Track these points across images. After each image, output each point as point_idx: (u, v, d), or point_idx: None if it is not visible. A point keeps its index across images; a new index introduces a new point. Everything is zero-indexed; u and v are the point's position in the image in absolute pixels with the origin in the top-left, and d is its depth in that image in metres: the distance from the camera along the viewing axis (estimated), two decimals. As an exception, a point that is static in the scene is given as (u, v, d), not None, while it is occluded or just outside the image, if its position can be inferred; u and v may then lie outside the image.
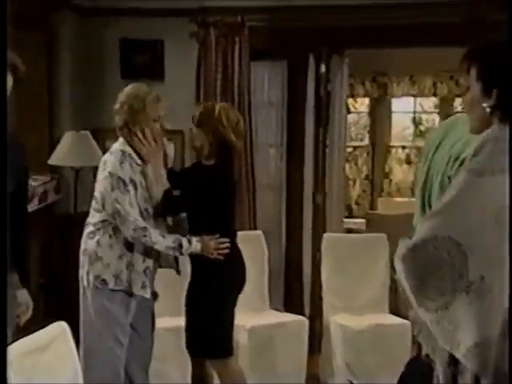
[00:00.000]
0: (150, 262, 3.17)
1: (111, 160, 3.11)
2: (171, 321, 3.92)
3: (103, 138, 5.13)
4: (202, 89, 5.07)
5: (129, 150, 3.14)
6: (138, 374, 3.26)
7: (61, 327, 2.51)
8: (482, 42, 1.93)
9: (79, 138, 4.76)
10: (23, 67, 2.53)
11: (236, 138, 3.32)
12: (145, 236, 3.07)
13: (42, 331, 2.81)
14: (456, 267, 1.71)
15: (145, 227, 3.06)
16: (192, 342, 3.35)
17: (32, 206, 4.56)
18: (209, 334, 3.30)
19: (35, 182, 4.68)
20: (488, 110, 1.84)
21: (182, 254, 3.19)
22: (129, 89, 3.19)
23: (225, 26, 5.01)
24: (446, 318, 1.73)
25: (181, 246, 3.13)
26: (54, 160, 4.77)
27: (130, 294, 3.11)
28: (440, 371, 1.83)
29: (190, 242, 3.15)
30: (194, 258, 3.27)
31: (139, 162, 3.16)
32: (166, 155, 3.38)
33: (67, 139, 4.76)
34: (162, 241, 3.10)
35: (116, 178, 3.07)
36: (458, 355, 1.72)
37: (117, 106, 3.17)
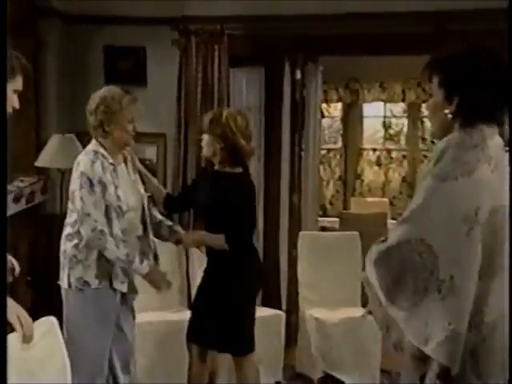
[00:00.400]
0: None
1: (84, 160, 3.07)
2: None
3: (88, 141, 5.10)
4: (183, 94, 5.07)
5: (101, 150, 3.10)
6: (121, 370, 3.23)
7: (49, 322, 2.50)
8: (443, 52, 1.94)
9: (65, 140, 4.74)
10: (30, 67, 2.51)
11: (245, 142, 3.33)
12: (100, 239, 2.99)
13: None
14: (428, 267, 1.72)
15: (102, 231, 2.98)
16: (220, 339, 3.28)
17: (20, 206, 4.56)
18: (240, 331, 3.29)
19: (23, 183, 4.68)
20: (449, 116, 1.85)
21: (129, 268, 3.06)
22: (104, 91, 3.16)
23: (205, 34, 5.01)
24: (417, 314, 1.74)
25: (131, 262, 3.03)
26: (40, 162, 4.75)
27: (112, 290, 3.07)
28: (409, 361, 1.86)
29: (141, 262, 3.05)
30: (213, 258, 3.30)
31: (111, 161, 3.11)
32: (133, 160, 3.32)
33: (53, 142, 4.75)
34: (114, 250, 2.99)
35: (85, 177, 3.02)
36: (427, 350, 1.74)
37: (92, 106, 3.13)
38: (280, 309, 4.70)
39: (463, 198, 1.73)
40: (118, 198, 3.07)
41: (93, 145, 3.15)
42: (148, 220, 3.25)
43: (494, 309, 1.77)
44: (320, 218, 6.22)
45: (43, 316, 2.58)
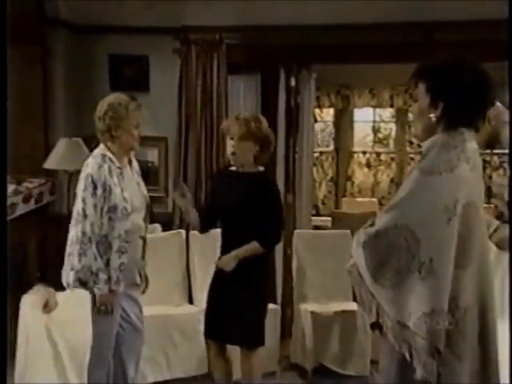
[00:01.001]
0: (124, 258, 3.05)
1: (92, 163, 3.08)
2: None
3: (94, 145, 5.10)
4: (183, 99, 5.08)
5: (109, 154, 3.11)
6: (131, 364, 3.22)
7: (82, 295, 2.52)
8: (430, 60, 1.98)
9: (72, 144, 4.74)
10: None
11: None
12: (84, 243, 2.97)
13: (68, 292, 2.83)
14: (410, 251, 1.80)
15: (90, 238, 2.96)
16: (241, 334, 3.25)
17: (29, 206, 4.55)
18: (261, 326, 3.28)
19: (32, 184, 4.67)
20: (434, 119, 1.92)
21: (92, 280, 2.98)
22: (112, 97, 3.17)
23: (204, 43, 5.02)
24: (399, 292, 1.82)
25: (97, 275, 2.97)
26: (49, 164, 4.75)
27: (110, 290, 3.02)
28: (390, 334, 1.89)
29: (108, 279, 2.99)
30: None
31: (118, 164, 3.11)
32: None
33: (61, 145, 4.74)
34: (90, 259, 2.97)
35: (90, 180, 3.02)
36: (410, 324, 1.81)
37: (100, 112, 3.14)
38: (275, 303, 4.69)
39: (445, 191, 1.81)
40: (125, 199, 3.07)
41: (101, 149, 3.15)
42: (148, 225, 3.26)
43: (466, 296, 1.83)
44: (313, 217, 6.22)
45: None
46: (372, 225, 1.89)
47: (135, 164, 3.28)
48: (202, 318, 4.17)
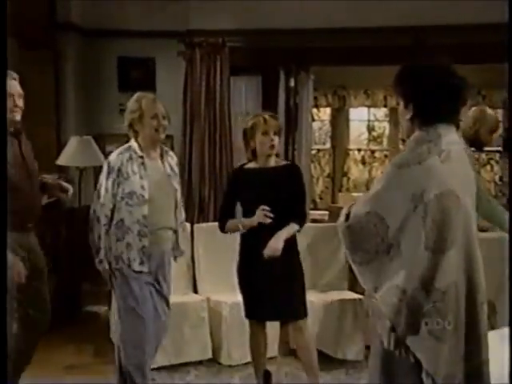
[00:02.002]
0: (145, 241, 3.11)
1: (115, 152, 3.20)
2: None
3: (103, 142, 5.14)
4: (188, 100, 5.09)
5: (134, 145, 3.18)
6: (152, 349, 3.24)
7: None
8: (403, 67, 2.05)
9: (83, 142, 4.76)
10: None
11: None
12: (93, 220, 3.12)
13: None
14: (380, 234, 1.90)
15: (99, 217, 3.09)
16: (288, 309, 3.33)
17: (43, 201, 4.56)
18: (304, 298, 3.37)
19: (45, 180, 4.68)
20: (409, 120, 1.99)
21: (96, 254, 3.12)
22: (134, 96, 3.28)
23: (208, 46, 5.03)
24: (370, 269, 1.93)
25: (97, 253, 3.10)
26: (61, 161, 4.77)
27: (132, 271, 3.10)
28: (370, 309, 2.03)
29: (101, 261, 3.11)
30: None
31: (140, 154, 3.16)
32: None
33: (72, 143, 4.76)
34: (95, 237, 3.10)
35: (107, 165, 3.15)
36: (377, 296, 1.92)
37: (126, 111, 3.26)
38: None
39: (413, 181, 1.88)
40: (142, 187, 3.11)
41: (130, 142, 3.23)
42: (178, 216, 3.28)
43: (444, 277, 1.87)
44: (311, 212, 6.23)
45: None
46: (348, 214, 1.99)
47: (170, 159, 3.31)
48: (205, 305, 4.23)
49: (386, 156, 8.93)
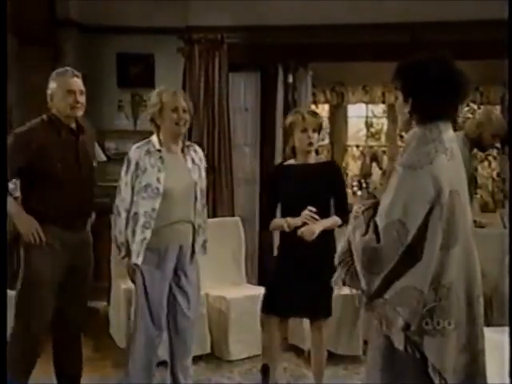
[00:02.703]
0: (147, 234, 3.09)
1: (134, 146, 3.21)
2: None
3: (103, 138, 5.14)
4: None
5: (154, 139, 3.18)
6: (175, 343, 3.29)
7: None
8: (403, 61, 2.04)
9: (82, 138, 4.73)
10: None
11: None
12: (114, 214, 3.15)
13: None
14: (401, 240, 1.86)
15: (119, 212, 3.11)
16: (322, 305, 3.35)
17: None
18: (330, 297, 3.36)
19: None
20: (408, 115, 1.98)
21: (119, 250, 3.17)
22: (154, 91, 3.26)
23: (207, 43, 5.02)
24: (380, 277, 1.88)
25: (119, 248, 3.14)
26: (60, 157, 4.73)
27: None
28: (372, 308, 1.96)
29: (124, 256, 3.13)
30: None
31: (158, 147, 3.16)
32: None
33: (72, 139, 4.73)
34: (117, 230, 3.13)
35: (127, 159, 3.16)
36: (387, 296, 1.88)
37: (147, 106, 3.27)
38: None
39: (428, 182, 1.86)
40: (158, 179, 3.10)
41: (151, 136, 3.24)
42: (199, 210, 3.26)
43: (450, 274, 1.88)
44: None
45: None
46: (376, 228, 1.90)
47: (193, 153, 3.27)
48: (204, 301, 4.22)
49: (383, 152, 8.93)
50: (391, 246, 1.86)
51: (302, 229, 3.20)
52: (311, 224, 3.20)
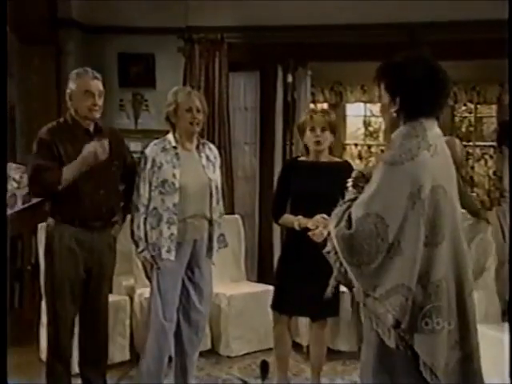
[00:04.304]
0: (174, 229, 3.15)
1: (151, 143, 3.26)
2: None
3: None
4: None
5: (170, 137, 3.22)
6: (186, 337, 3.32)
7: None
8: (386, 61, 2.03)
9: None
10: None
11: None
12: (133, 210, 3.17)
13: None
14: (380, 235, 1.84)
15: (137, 206, 3.15)
16: (329, 304, 3.25)
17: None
18: (337, 296, 3.32)
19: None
20: (394, 114, 1.96)
21: (136, 245, 3.20)
22: (171, 91, 3.30)
23: (207, 42, 5.01)
24: (366, 271, 1.86)
25: (137, 243, 3.18)
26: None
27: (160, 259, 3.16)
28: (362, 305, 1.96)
29: (142, 250, 3.17)
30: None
31: (174, 144, 3.20)
32: None
33: (74, 138, 4.72)
34: (135, 225, 3.17)
35: (144, 156, 3.21)
36: (376, 295, 1.86)
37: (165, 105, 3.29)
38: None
39: (408, 178, 1.84)
40: (174, 175, 3.15)
41: (167, 134, 3.28)
42: (214, 205, 3.27)
43: (438, 271, 1.86)
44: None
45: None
46: (349, 219, 1.90)
47: (208, 151, 3.32)
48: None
49: (381, 151, 8.91)
50: (366, 236, 1.84)
51: (313, 232, 3.13)
52: (321, 228, 3.16)
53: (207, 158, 3.29)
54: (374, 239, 1.83)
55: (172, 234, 3.13)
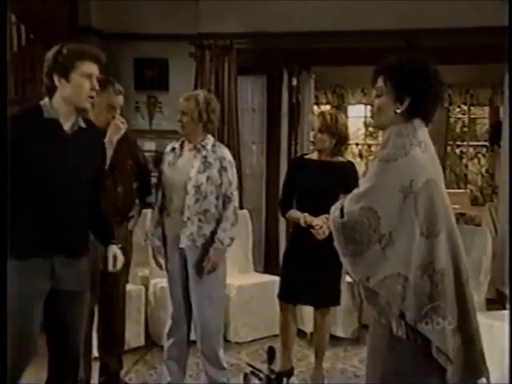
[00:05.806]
0: (157, 217, 3.24)
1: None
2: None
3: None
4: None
5: (183, 139, 3.22)
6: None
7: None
8: (389, 60, 1.97)
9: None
10: (103, 56, 2.48)
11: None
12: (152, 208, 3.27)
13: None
14: (372, 227, 1.84)
15: (151, 203, 3.26)
16: (331, 294, 3.36)
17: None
18: (339, 287, 3.37)
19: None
20: (399, 113, 1.92)
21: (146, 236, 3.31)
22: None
23: (217, 48, 5.01)
24: (360, 260, 1.87)
25: (148, 235, 3.27)
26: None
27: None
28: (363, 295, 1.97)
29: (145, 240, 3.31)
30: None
31: (176, 146, 3.20)
32: None
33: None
34: (149, 220, 3.25)
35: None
36: (369, 285, 1.86)
37: None
38: (279, 275, 4.70)
39: (401, 173, 1.84)
40: (165, 172, 3.19)
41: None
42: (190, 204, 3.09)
43: (441, 260, 1.85)
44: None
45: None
46: (342, 210, 1.92)
47: (211, 152, 3.11)
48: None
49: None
50: (358, 226, 1.84)
51: (317, 231, 3.15)
52: (325, 228, 3.13)
53: (204, 158, 3.10)
54: (366, 230, 1.84)
55: (157, 222, 3.20)
